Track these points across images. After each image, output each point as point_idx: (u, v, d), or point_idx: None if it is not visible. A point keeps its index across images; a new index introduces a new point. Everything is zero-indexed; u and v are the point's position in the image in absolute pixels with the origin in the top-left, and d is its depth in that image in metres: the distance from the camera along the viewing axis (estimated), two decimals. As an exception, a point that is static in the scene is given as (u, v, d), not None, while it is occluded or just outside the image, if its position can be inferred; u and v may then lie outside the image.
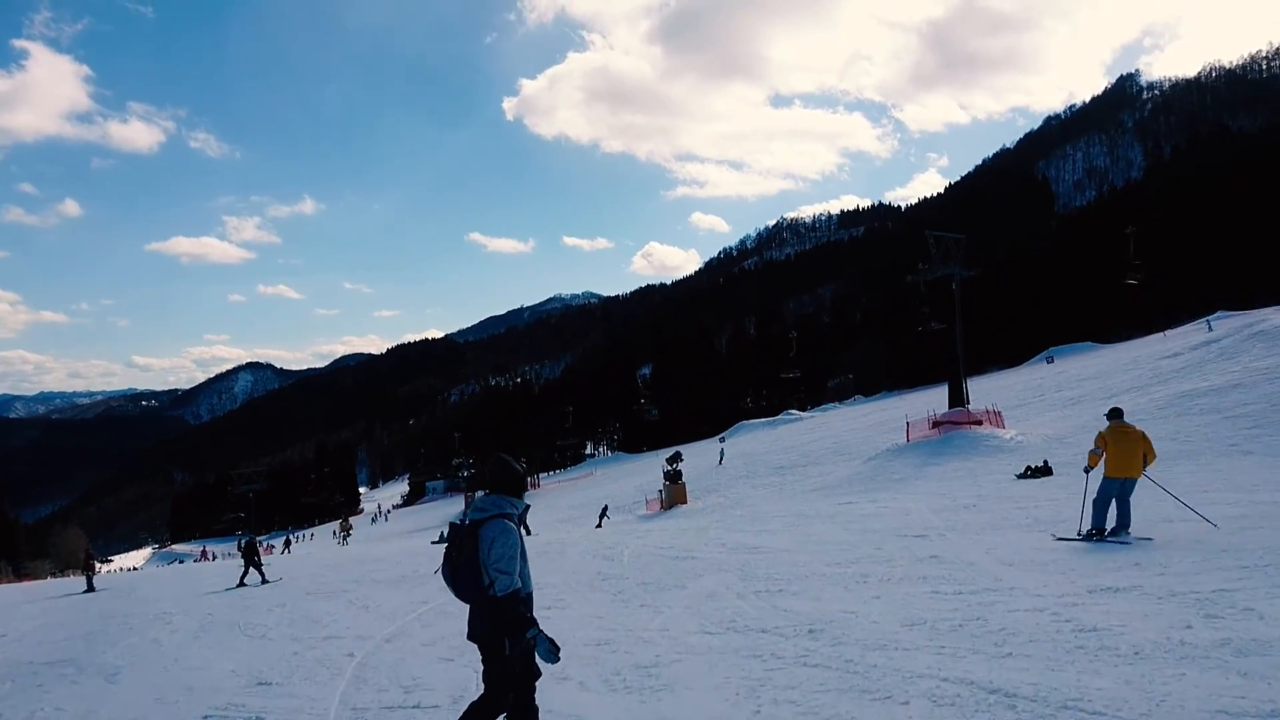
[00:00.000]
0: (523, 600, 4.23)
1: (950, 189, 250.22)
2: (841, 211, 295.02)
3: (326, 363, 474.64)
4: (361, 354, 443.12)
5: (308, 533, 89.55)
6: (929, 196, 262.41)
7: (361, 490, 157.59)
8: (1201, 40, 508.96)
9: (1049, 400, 34.96)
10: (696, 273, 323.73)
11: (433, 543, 29.48)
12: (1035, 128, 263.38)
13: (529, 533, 20.26)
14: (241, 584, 18.74)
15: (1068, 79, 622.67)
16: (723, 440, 61.80)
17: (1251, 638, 5.57)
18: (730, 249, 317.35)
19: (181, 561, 76.34)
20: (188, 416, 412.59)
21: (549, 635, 4.24)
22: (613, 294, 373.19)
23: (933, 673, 5.60)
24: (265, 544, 46.62)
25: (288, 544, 58.34)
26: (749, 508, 23.64)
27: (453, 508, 72.02)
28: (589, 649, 7.45)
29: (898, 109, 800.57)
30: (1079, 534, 10.58)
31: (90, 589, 23.24)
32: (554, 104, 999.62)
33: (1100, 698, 4.78)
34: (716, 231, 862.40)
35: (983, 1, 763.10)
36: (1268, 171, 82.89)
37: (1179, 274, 78.46)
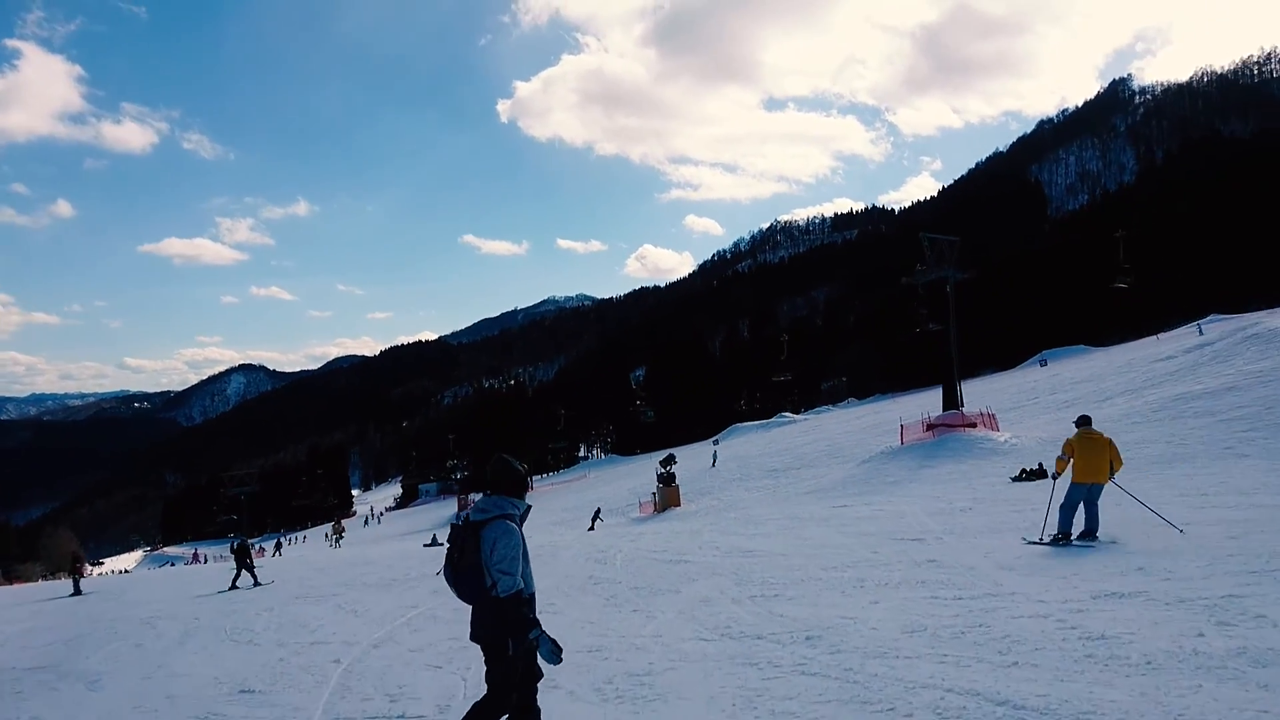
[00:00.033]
0: (525, 601, 4.25)
1: (943, 192, 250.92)
2: (835, 214, 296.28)
3: (319, 364, 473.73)
4: (354, 356, 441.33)
5: (300, 535, 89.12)
6: (922, 200, 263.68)
7: (354, 492, 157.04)
8: (1193, 45, 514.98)
9: (1043, 403, 34.91)
10: (690, 275, 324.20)
11: (425, 545, 29.28)
12: (1028, 131, 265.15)
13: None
14: (233, 587, 18.52)
15: (1060, 83, 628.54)
16: (716, 443, 61.72)
17: (1268, 646, 5.39)
18: (724, 251, 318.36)
19: (173, 564, 75.96)
20: (180, 418, 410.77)
21: (552, 636, 4.23)
22: (606, 296, 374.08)
23: (936, 683, 5.41)
24: (257, 546, 46.27)
25: (279, 546, 57.88)
26: (743, 511, 23.45)
27: (445, 510, 71.63)
28: (580, 655, 7.25)
29: (891, 112, 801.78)
30: (1040, 539, 10.74)
31: (77, 592, 23.01)
32: (548, 106, 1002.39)
33: (1114, 710, 4.60)
34: (710, 234, 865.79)
35: (975, 6, 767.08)
36: (1259, 176, 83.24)
37: (1171, 277, 78.69)
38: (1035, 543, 10.66)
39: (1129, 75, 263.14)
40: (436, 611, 10.95)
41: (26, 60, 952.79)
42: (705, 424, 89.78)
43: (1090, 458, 10.45)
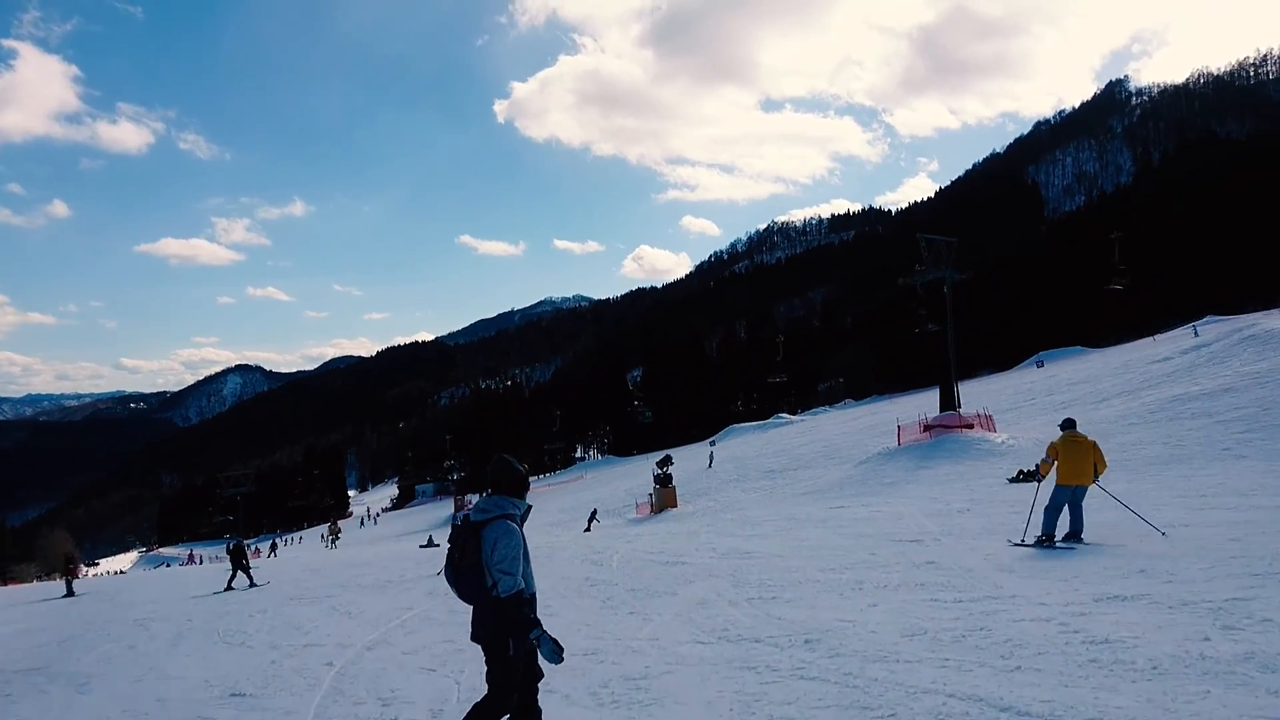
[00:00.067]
0: (526, 601, 4.26)
1: (940, 193, 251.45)
2: (832, 215, 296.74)
3: (316, 365, 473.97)
4: (351, 356, 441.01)
5: (296, 536, 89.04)
6: (919, 201, 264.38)
7: (350, 493, 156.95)
8: (1190, 47, 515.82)
9: (1040, 404, 34.88)
10: (687, 276, 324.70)
11: (421, 547, 29.14)
12: (1025, 133, 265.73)
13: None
14: (229, 588, 18.43)
15: (1057, 84, 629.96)
16: (713, 444, 61.73)
17: (1276, 651, 5.29)
18: (721, 252, 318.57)
19: (169, 565, 75.84)
20: (176, 419, 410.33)
21: (553, 636, 4.22)
22: (603, 297, 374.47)
23: (938, 688, 5.31)
24: (253, 547, 46.15)
25: (274, 547, 57.77)
26: (739, 512, 23.37)
27: (442, 511, 71.48)
28: (576, 659, 7.14)
29: (888, 113, 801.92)
30: (1021, 540, 10.84)
31: (70, 593, 22.90)
32: (545, 107, 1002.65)
33: (1121, 717, 4.50)
34: (707, 235, 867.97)
35: (973, 7, 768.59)
36: (1255, 177, 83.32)
37: (1168, 279, 78.80)
38: (1019, 544, 10.72)
39: (1125, 76, 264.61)
40: (431, 613, 10.86)
41: (22, 60, 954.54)
42: (702, 425, 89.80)
43: (1074, 460, 10.56)
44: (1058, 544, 10.32)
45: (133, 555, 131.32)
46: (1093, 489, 10.81)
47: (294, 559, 36.83)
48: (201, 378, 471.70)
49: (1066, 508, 10.59)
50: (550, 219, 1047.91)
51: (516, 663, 4.32)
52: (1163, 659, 5.40)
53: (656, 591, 10.54)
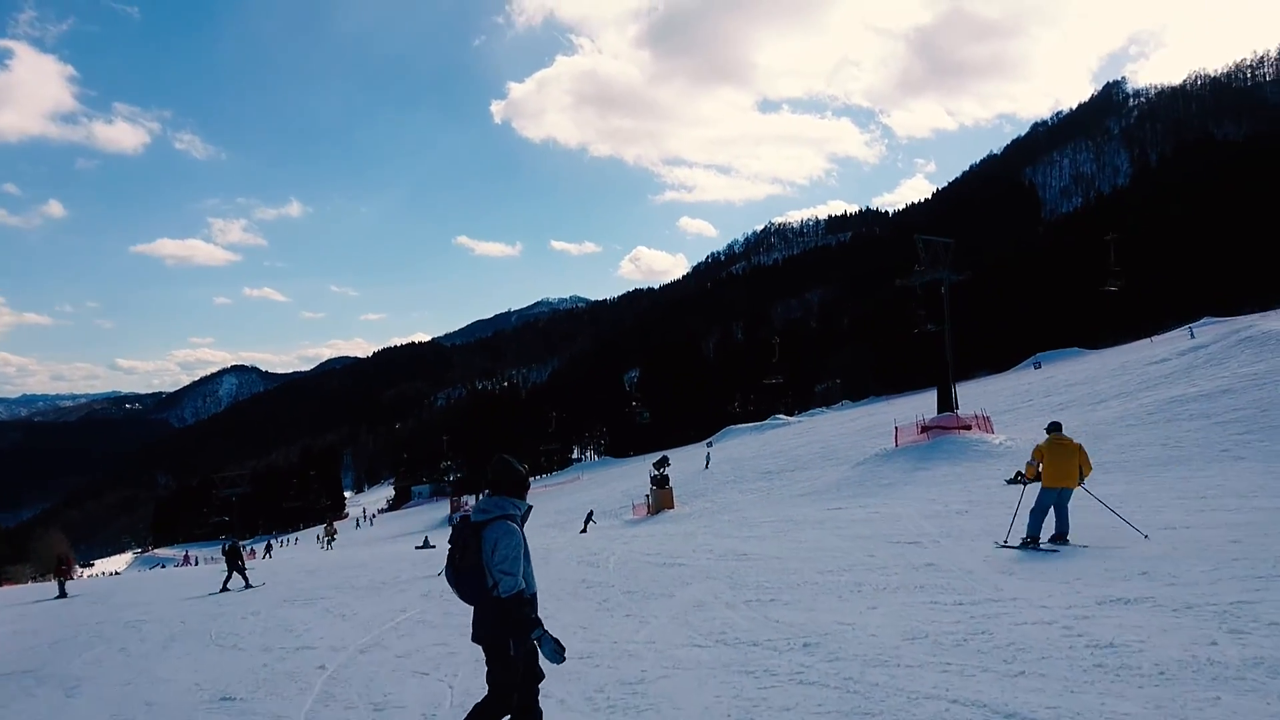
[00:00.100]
0: (527, 601, 4.25)
1: (938, 195, 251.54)
2: (829, 217, 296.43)
3: (312, 366, 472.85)
4: (347, 357, 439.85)
5: (292, 537, 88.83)
6: (916, 202, 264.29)
7: (346, 494, 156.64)
8: (1187, 48, 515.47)
9: (1037, 405, 34.81)
10: (684, 277, 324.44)
11: (417, 548, 29.03)
12: (1022, 134, 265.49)
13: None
14: (224, 589, 18.34)
15: (1054, 86, 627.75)
16: (710, 445, 61.60)
17: (1285, 656, 5.18)
18: (718, 254, 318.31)
19: (164, 566, 75.73)
20: (172, 420, 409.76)
21: (554, 636, 4.21)
22: (600, 298, 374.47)
23: (940, 693, 5.21)
24: (248, 548, 45.99)
25: (269, 548, 57.56)
26: (737, 513, 23.29)
27: (438, 512, 71.33)
28: (571, 663, 7.00)
29: (885, 115, 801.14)
30: (1006, 541, 10.92)
31: (62, 594, 22.79)
32: (542, 107, 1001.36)
33: (1128, 724, 4.41)
34: (704, 236, 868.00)
35: (970, 8, 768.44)
36: (1252, 179, 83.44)
37: (1165, 280, 78.88)
38: (1004, 545, 10.79)
39: (1123, 78, 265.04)
40: (426, 616, 10.77)
41: (18, 60, 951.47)
42: (699, 426, 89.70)
43: (1060, 463, 10.65)
44: (1042, 545, 10.38)
45: (128, 556, 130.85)
46: (1078, 491, 10.84)
47: (289, 560, 36.71)
48: (197, 378, 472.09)
49: (1052, 510, 10.66)
50: (547, 220, 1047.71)
51: (517, 663, 4.32)
52: (1169, 664, 5.29)
53: (653, 594, 10.44)
